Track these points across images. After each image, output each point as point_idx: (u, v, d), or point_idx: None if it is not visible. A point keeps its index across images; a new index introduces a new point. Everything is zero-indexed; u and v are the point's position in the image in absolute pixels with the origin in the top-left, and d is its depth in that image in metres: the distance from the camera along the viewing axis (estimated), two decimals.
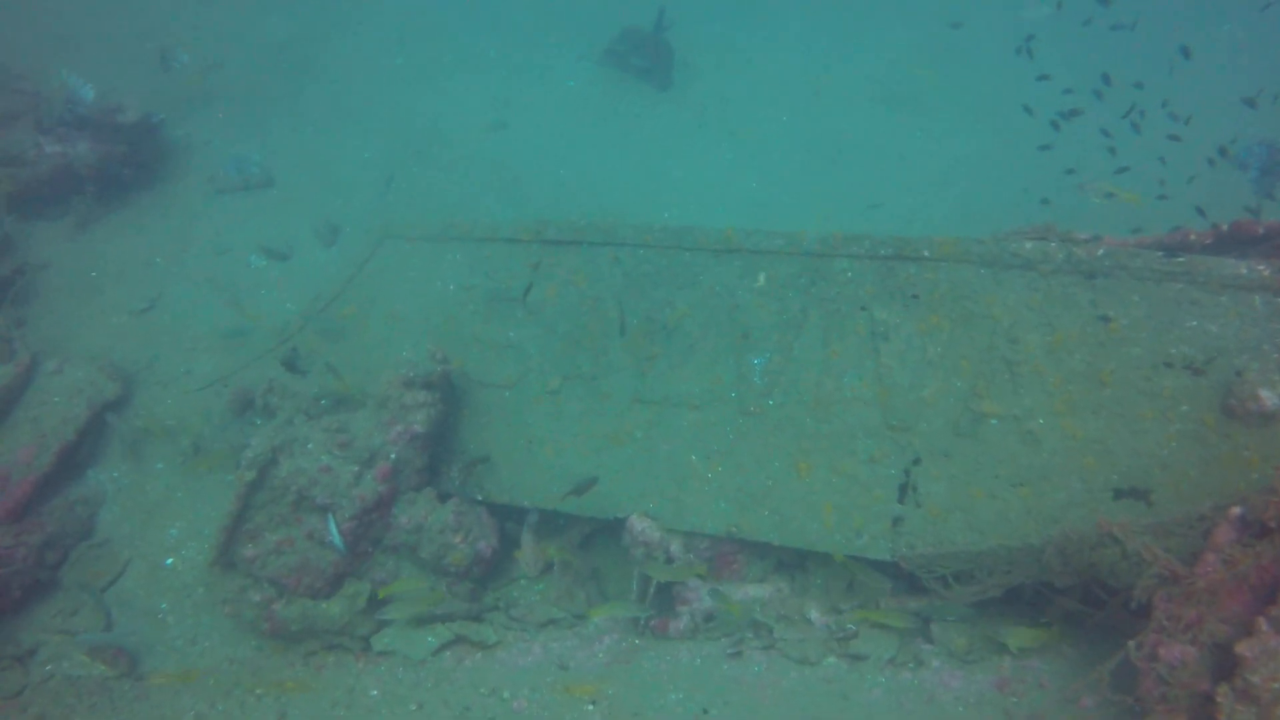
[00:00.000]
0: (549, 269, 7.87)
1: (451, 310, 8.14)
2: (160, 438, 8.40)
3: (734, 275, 7.31)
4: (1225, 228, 6.80)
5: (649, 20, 13.37)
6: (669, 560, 7.01)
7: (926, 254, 6.86)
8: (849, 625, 6.55)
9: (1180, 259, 6.31)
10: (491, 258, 8.13)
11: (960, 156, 12.20)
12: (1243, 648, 4.27)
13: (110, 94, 10.50)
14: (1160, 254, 6.38)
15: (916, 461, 6.58)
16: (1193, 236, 6.85)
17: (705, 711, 5.96)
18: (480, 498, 7.59)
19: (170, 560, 7.78)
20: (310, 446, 7.18)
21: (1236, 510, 4.66)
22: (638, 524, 7.03)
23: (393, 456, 7.26)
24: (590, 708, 6.07)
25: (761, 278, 7.22)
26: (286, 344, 8.64)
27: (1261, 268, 6.22)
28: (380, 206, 10.80)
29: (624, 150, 12.13)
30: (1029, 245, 6.65)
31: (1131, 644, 4.76)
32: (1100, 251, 6.49)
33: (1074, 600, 6.00)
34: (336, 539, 6.98)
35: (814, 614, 6.70)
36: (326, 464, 7.09)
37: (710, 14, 14.94)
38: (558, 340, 7.70)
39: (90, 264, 9.97)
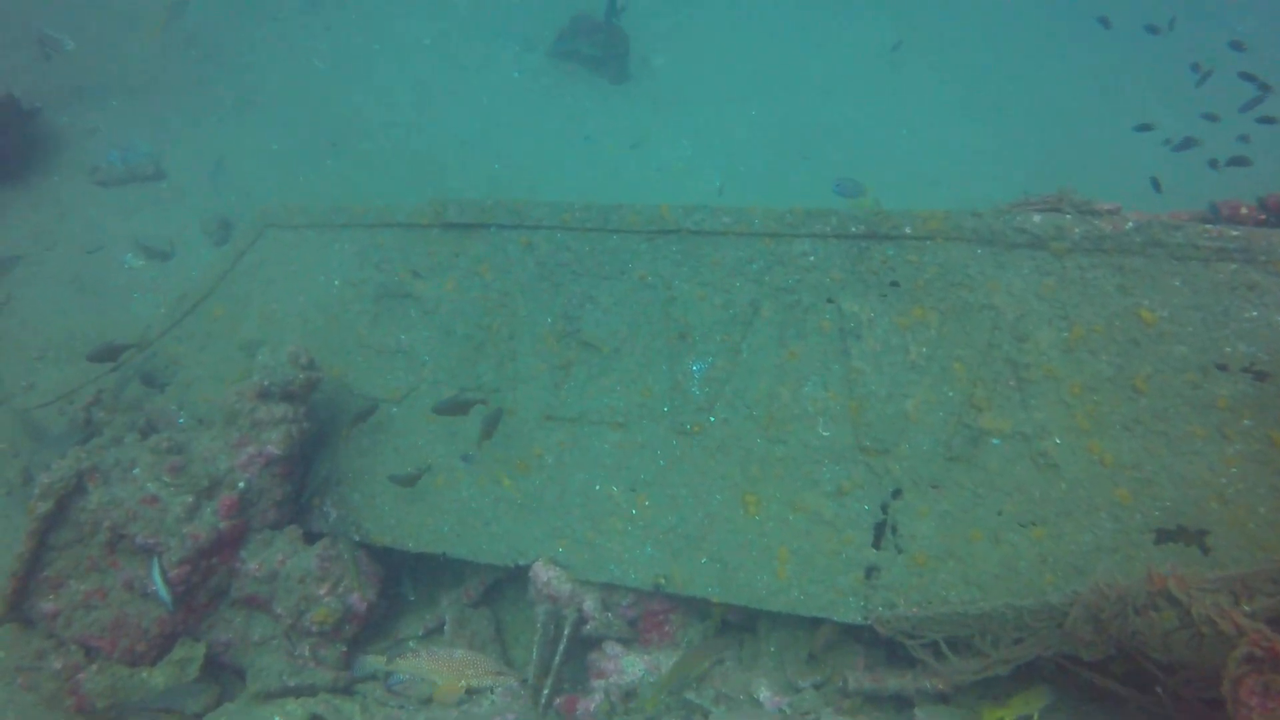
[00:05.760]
0: (450, 259, 6.45)
1: (335, 310, 6.71)
2: None
3: (670, 262, 5.87)
4: None
5: (600, 8, 12.06)
6: (582, 621, 5.49)
7: (909, 231, 5.42)
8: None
9: (1235, 232, 4.88)
10: (384, 246, 6.71)
11: (952, 152, 10.84)
12: None
13: None
14: (1207, 228, 4.95)
15: (897, 494, 5.11)
16: (1244, 210, 5.45)
17: None
18: (358, 538, 6.10)
19: None
20: (136, 472, 5.70)
21: None
22: (543, 573, 5.54)
23: (241, 485, 5.79)
24: None
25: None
26: (145, 352, 7.17)
27: None
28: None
29: (572, 146, 10.74)
30: (1038, 219, 5.23)
31: None
32: (1129, 225, 5.06)
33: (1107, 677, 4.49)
34: (161, 589, 5.48)
35: (764, 693, 5.16)
36: (153, 493, 5.60)
37: (670, 3, 13.63)
38: (456, 344, 6.25)
39: None
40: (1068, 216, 5.20)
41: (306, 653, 5.83)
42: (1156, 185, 8.27)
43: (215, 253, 8.59)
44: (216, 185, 9.58)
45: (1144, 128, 8.85)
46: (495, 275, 6.28)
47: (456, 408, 5.75)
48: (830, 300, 5.48)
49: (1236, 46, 9.20)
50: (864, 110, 11.96)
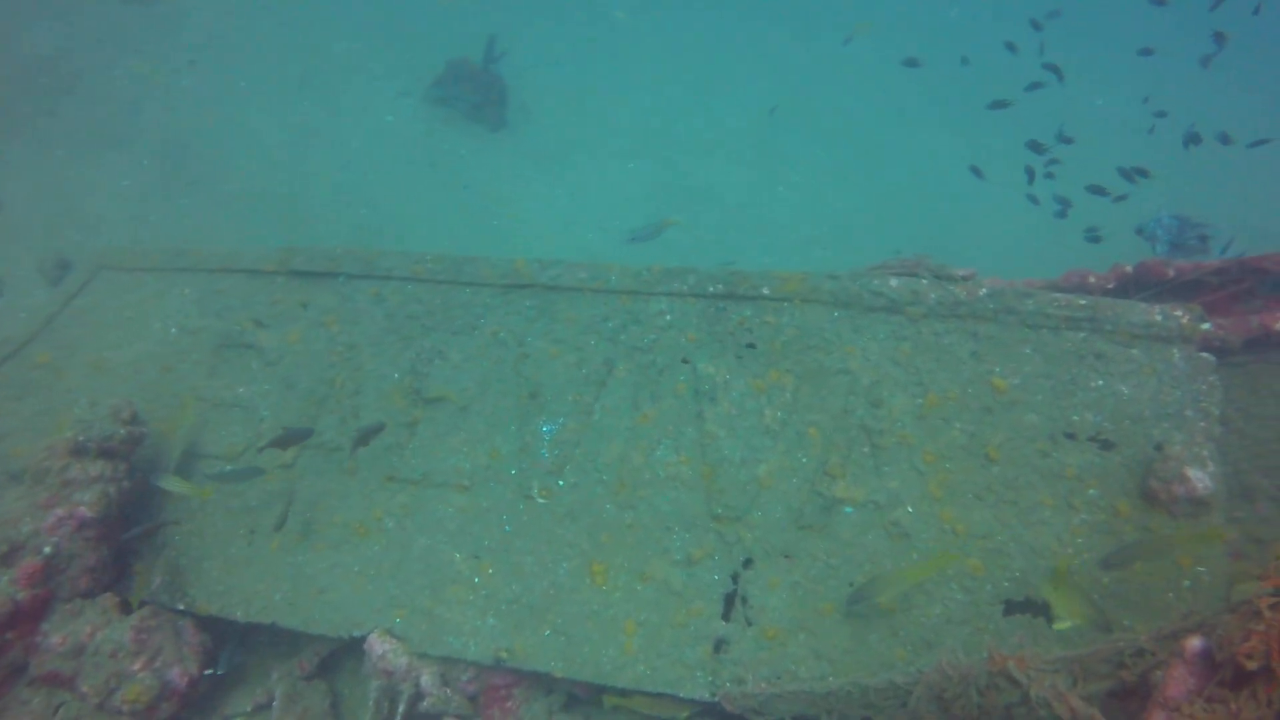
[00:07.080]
0: (295, 308, 6.12)
1: (170, 359, 6.27)
2: None
3: (524, 318, 5.65)
4: (1130, 269, 5.47)
5: (479, 54, 11.86)
6: (418, 696, 5.13)
7: (766, 292, 5.32)
8: None
9: (1083, 301, 4.91)
10: (226, 293, 6.35)
11: (827, 213, 10.93)
12: None
13: None
14: (1056, 296, 4.98)
15: (748, 563, 4.93)
16: (1091, 279, 5.52)
17: None
18: (182, 606, 5.63)
19: None
20: None
21: (1196, 644, 3.06)
22: (379, 645, 5.17)
23: (47, 550, 5.28)
24: None
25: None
26: None
27: (1179, 313, 4.87)
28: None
29: (445, 195, 10.47)
30: (894, 283, 5.18)
31: None
32: (983, 291, 5.05)
33: None
34: None
35: None
36: None
37: (552, 54, 13.56)
38: (297, 399, 5.89)
39: None
40: (924, 281, 5.16)
41: None
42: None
43: (47, 295, 8.04)
44: (133, 158, 9.09)
45: (975, 171, 9.26)
46: (342, 327, 5.97)
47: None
48: (686, 361, 5.32)
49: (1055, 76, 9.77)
50: (742, 168, 12.01)
